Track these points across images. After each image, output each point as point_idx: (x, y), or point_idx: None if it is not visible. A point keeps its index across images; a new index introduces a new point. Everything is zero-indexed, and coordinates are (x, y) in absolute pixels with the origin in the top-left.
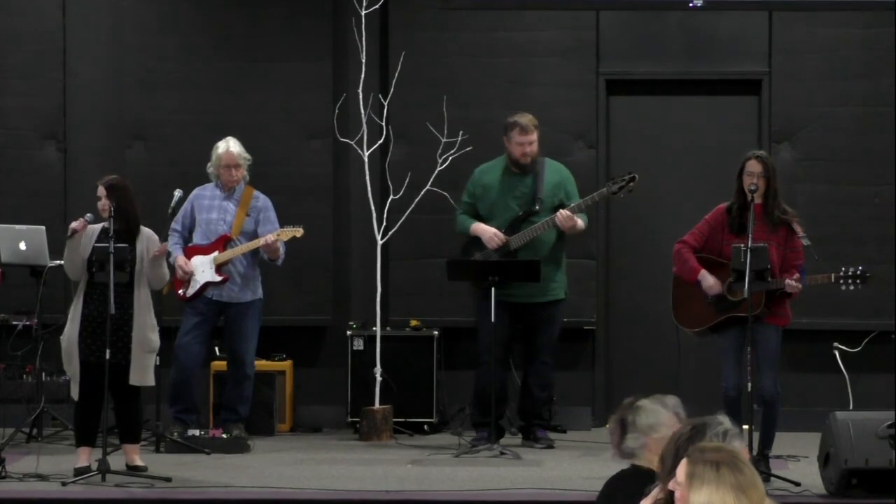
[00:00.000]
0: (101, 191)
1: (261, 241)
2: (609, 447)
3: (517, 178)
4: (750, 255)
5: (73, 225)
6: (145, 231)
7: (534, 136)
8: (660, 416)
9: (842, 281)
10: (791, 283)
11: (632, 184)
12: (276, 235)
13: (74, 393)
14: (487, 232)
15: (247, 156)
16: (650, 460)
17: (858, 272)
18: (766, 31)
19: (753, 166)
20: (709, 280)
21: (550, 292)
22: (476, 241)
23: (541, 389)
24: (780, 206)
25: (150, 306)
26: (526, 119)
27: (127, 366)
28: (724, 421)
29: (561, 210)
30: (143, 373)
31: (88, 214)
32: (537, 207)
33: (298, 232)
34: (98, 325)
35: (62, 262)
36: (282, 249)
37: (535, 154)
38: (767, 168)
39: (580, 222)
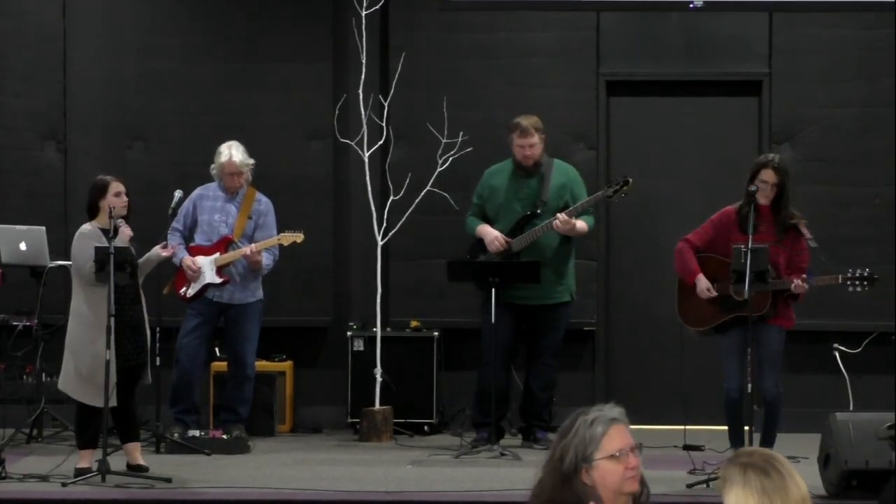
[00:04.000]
0: (122, 187)
1: (245, 250)
2: None
3: (523, 180)
4: (750, 256)
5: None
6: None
7: (534, 139)
8: None
9: (849, 282)
10: (798, 283)
11: (626, 187)
12: (276, 240)
13: (98, 401)
14: (490, 235)
15: (249, 162)
16: None
17: (865, 274)
18: (767, 32)
19: (769, 176)
20: (702, 284)
21: (556, 295)
22: (481, 242)
23: (542, 390)
24: (788, 210)
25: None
26: (527, 121)
27: (144, 365)
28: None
29: (559, 214)
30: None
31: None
32: (539, 210)
33: (299, 238)
34: (123, 329)
35: (62, 262)
36: (266, 261)
37: (536, 156)
38: (782, 176)
39: (580, 224)
